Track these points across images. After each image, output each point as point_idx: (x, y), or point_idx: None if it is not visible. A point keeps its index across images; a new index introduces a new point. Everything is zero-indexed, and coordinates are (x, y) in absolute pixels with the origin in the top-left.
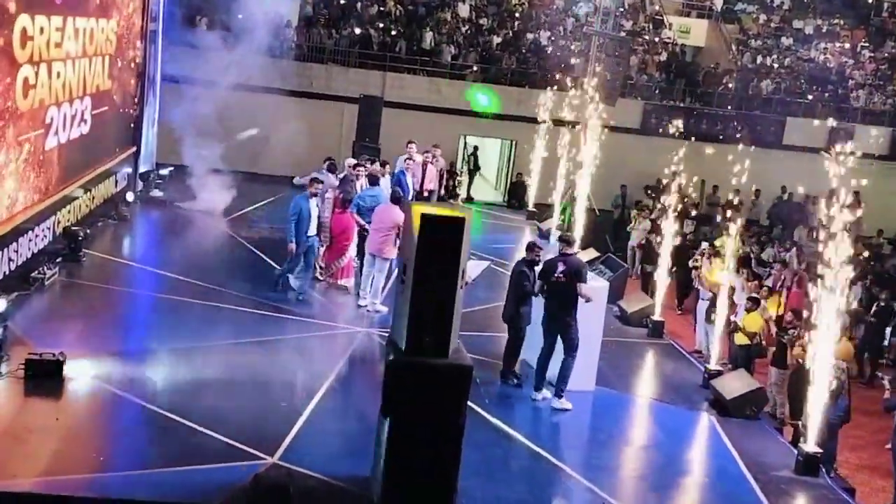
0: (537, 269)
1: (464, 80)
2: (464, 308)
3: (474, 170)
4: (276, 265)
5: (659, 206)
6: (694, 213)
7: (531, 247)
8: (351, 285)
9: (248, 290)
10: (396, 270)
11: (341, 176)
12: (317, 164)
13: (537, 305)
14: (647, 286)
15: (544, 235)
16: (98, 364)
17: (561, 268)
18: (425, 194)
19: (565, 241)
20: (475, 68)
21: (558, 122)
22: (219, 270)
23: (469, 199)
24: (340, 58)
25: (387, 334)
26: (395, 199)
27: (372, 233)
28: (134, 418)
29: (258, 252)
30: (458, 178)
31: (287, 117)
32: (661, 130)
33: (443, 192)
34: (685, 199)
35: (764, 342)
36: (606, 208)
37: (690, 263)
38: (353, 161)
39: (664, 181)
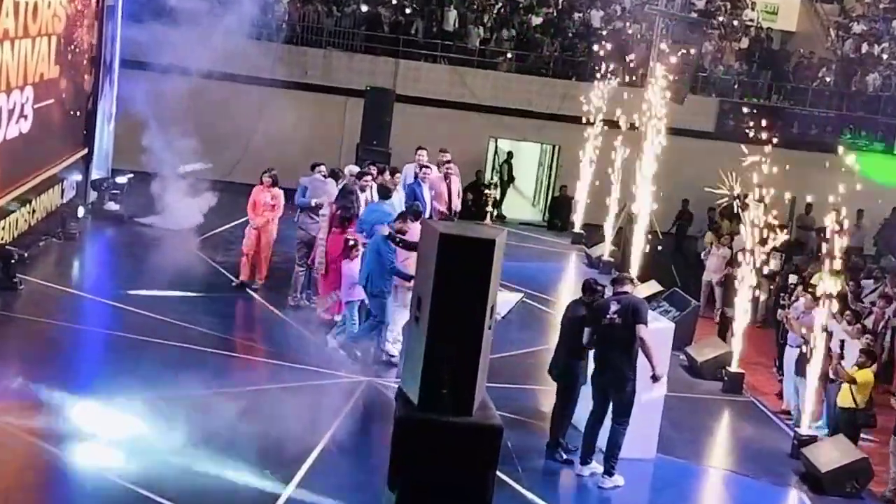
0: None
1: (495, 69)
2: (492, 353)
3: (508, 181)
4: (258, 296)
5: (734, 228)
6: (780, 237)
7: (590, 287)
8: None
9: (224, 328)
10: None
11: (341, 186)
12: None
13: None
14: (726, 332)
15: (594, 264)
16: (34, 418)
17: (614, 308)
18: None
19: (619, 281)
20: (509, 55)
21: (612, 124)
22: (188, 303)
23: (500, 218)
24: (343, 41)
25: (396, 385)
26: (417, 215)
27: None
28: (78, 489)
29: (231, 276)
30: (488, 191)
31: (276, 114)
32: (740, 134)
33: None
34: (770, 223)
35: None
36: (672, 231)
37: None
38: (355, 169)
39: (742, 197)
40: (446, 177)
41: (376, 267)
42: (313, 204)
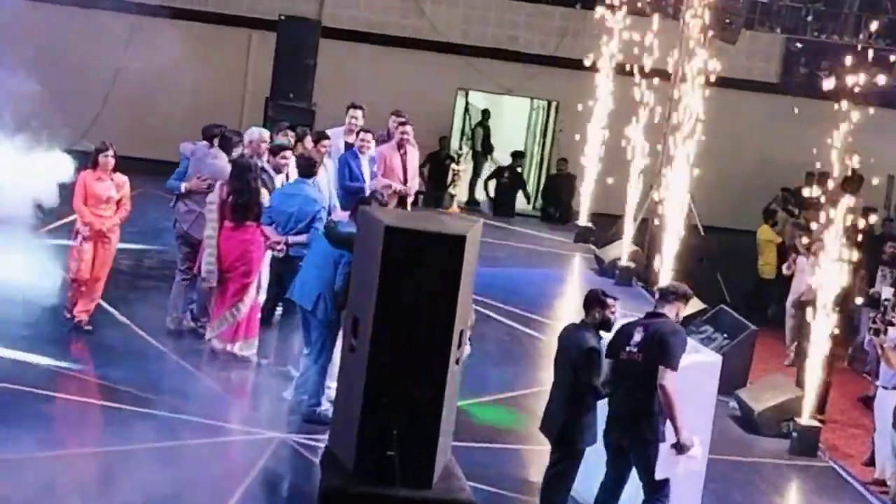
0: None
1: None
2: (461, 398)
3: (483, 152)
4: (123, 316)
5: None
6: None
7: (596, 300)
8: (252, 352)
9: (76, 363)
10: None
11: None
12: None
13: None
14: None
15: (607, 271)
16: None
17: (637, 337)
18: (409, 198)
19: (662, 296)
20: None
21: (632, 72)
22: (28, 328)
23: (472, 205)
24: None
25: (321, 445)
26: (361, 200)
27: (310, 268)
28: None
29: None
30: (455, 166)
31: (148, 54)
32: (814, 86)
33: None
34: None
35: None
36: (718, 225)
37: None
38: (262, 133)
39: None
40: (400, 145)
41: (330, 281)
42: (183, 189)
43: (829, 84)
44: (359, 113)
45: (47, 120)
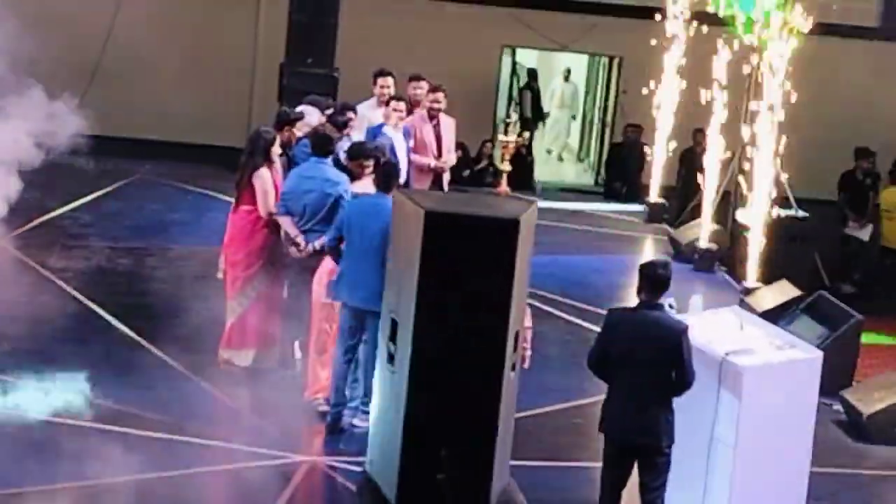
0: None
1: None
2: (519, 411)
3: (534, 118)
4: (122, 325)
5: None
6: None
7: (667, 281)
8: (272, 361)
9: (69, 381)
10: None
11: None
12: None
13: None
14: None
15: (685, 255)
16: None
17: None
18: (445, 176)
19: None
20: None
21: (711, 20)
22: (16, 342)
23: (525, 182)
24: None
25: (359, 468)
26: (387, 180)
27: (356, 261)
28: None
29: (85, 300)
30: (503, 137)
31: (143, 16)
32: None
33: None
34: None
35: None
36: (816, 197)
37: None
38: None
39: None
40: (432, 117)
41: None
42: None
43: None
44: (389, 80)
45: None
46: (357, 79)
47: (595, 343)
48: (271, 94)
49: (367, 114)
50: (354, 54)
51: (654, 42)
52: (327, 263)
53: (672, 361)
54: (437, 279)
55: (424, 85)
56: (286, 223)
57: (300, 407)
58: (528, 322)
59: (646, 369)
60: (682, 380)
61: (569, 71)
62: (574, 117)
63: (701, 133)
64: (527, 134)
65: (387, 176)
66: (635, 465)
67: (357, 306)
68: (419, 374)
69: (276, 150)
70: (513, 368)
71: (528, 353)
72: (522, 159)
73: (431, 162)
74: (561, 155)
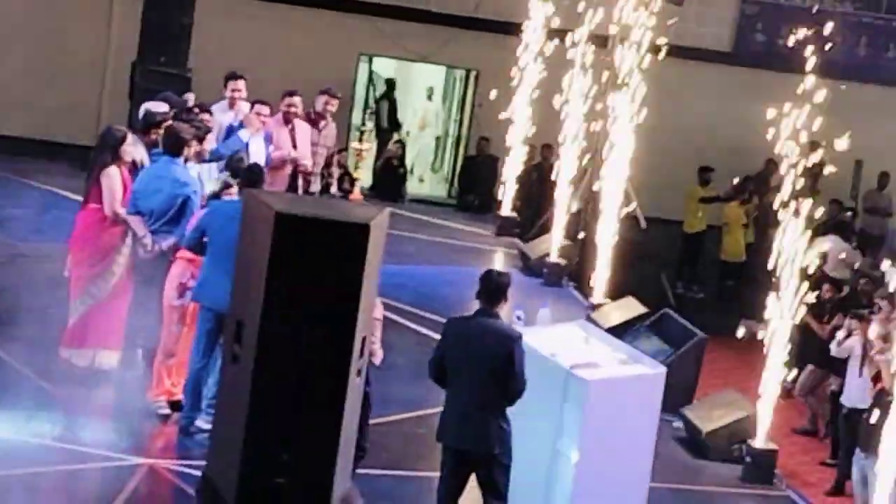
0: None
1: None
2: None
3: (389, 128)
4: None
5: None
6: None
7: (505, 290)
8: (113, 362)
9: None
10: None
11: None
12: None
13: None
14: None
15: (534, 269)
16: None
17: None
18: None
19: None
20: None
21: (564, 36)
22: None
23: (380, 189)
24: None
25: (199, 471)
26: (253, 178)
27: (217, 262)
28: None
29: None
30: (357, 145)
31: None
32: (775, 56)
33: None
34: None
35: None
36: (663, 216)
37: (840, 331)
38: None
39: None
40: (287, 120)
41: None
42: None
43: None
44: (241, 84)
45: None
46: (210, 80)
47: (434, 350)
48: (122, 92)
49: (219, 116)
50: (209, 56)
51: (510, 55)
52: (177, 266)
53: (504, 369)
54: (285, 281)
55: (298, 101)
56: (134, 222)
57: (141, 409)
58: (377, 314)
59: (479, 376)
60: (514, 388)
61: (431, 90)
62: (438, 138)
63: (548, 148)
64: (394, 143)
65: (253, 179)
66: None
67: (216, 309)
68: (262, 377)
69: (129, 148)
70: (359, 373)
71: (378, 346)
72: (393, 171)
73: (290, 152)
74: (422, 176)
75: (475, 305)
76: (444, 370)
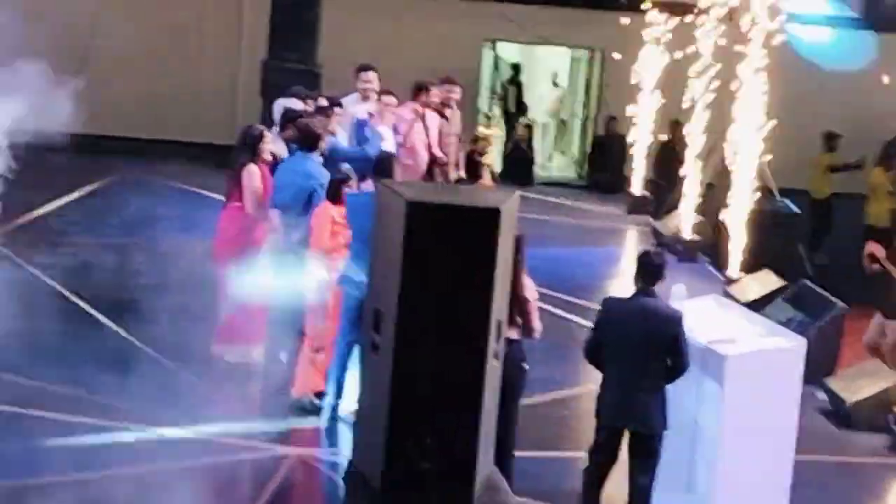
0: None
1: None
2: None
3: (516, 113)
4: (105, 318)
5: None
6: None
7: (651, 262)
8: (240, 359)
9: (57, 378)
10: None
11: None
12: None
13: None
14: None
15: (668, 245)
16: None
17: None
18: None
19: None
20: None
21: (687, 9)
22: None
23: (510, 174)
24: None
25: (344, 459)
26: (383, 167)
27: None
28: None
29: (72, 296)
30: (484, 130)
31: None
32: None
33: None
34: None
35: None
36: (796, 187)
37: None
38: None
39: None
40: (423, 109)
41: None
42: None
43: None
44: (372, 75)
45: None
46: (339, 74)
47: (591, 331)
48: (255, 90)
49: (351, 109)
50: (336, 50)
51: (635, 33)
52: (314, 261)
53: (668, 348)
54: (420, 269)
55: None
56: (272, 216)
57: (289, 401)
58: (531, 294)
59: (641, 356)
60: (678, 367)
61: (556, 75)
62: (564, 122)
63: (677, 125)
64: (522, 127)
65: (385, 169)
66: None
67: (359, 297)
68: (402, 364)
69: (267, 146)
70: (496, 355)
71: (537, 324)
72: (523, 155)
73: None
74: (552, 158)
75: (608, 284)
76: (601, 351)
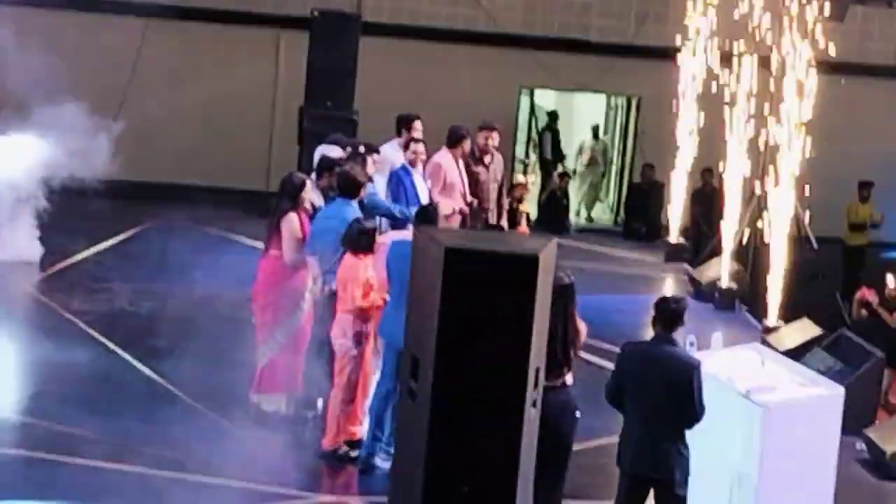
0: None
1: None
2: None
3: (553, 160)
4: (141, 364)
5: None
6: None
7: (681, 316)
8: (278, 409)
9: (93, 423)
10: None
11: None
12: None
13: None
14: None
15: (705, 294)
16: None
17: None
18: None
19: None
20: None
21: (726, 58)
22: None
23: (547, 222)
24: None
25: None
26: (426, 216)
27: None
28: None
29: (107, 341)
30: (521, 177)
31: (162, 61)
32: None
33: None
34: None
35: None
36: (832, 235)
37: None
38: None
39: None
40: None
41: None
42: None
43: None
44: (419, 124)
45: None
46: (375, 121)
47: (611, 375)
48: (291, 137)
49: (391, 155)
50: (373, 97)
51: (670, 80)
52: (345, 315)
53: (683, 395)
54: (458, 316)
55: (496, 136)
56: (311, 264)
57: (322, 450)
58: (583, 336)
59: (657, 402)
60: (692, 415)
61: (598, 128)
62: (604, 174)
63: (709, 172)
64: (558, 175)
65: (428, 219)
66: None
67: (398, 346)
68: (440, 412)
69: (307, 195)
70: (534, 404)
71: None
72: (558, 201)
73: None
74: (588, 205)
75: (647, 333)
76: (621, 395)
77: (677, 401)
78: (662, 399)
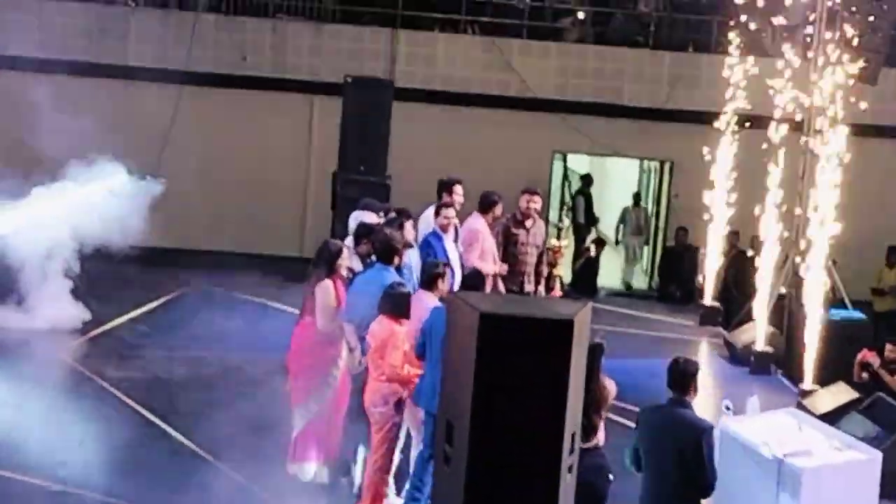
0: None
1: (558, 39)
2: None
3: (587, 223)
4: (176, 432)
5: None
6: None
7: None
8: (309, 479)
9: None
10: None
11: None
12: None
13: None
14: None
15: (739, 358)
16: None
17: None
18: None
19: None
20: (581, 16)
21: (758, 122)
22: (59, 450)
23: (579, 285)
24: (305, 3)
25: None
26: (473, 283)
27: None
28: None
29: (142, 409)
30: (555, 242)
31: (197, 126)
32: None
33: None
34: None
35: None
36: (867, 297)
37: None
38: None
39: None
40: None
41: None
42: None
43: None
44: (460, 188)
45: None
46: (409, 186)
47: (634, 439)
48: (325, 202)
49: (426, 220)
50: (405, 162)
51: (704, 144)
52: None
53: (692, 459)
54: (493, 381)
55: (538, 200)
56: (347, 332)
57: None
58: (612, 395)
59: (668, 466)
60: (703, 479)
61: (638, 195)
62: (647, 242)
63: (734, 235)
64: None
65: (474, 285)
66: None
67: (435, 412)
68: (475, 476)
69: (344, 262)
70: (570, 469)
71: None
72: (591, 264)
73: (492, 268)
74: (622, 270)
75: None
76: (639, 459)
77: (687, 465)
78: (672, 463)
